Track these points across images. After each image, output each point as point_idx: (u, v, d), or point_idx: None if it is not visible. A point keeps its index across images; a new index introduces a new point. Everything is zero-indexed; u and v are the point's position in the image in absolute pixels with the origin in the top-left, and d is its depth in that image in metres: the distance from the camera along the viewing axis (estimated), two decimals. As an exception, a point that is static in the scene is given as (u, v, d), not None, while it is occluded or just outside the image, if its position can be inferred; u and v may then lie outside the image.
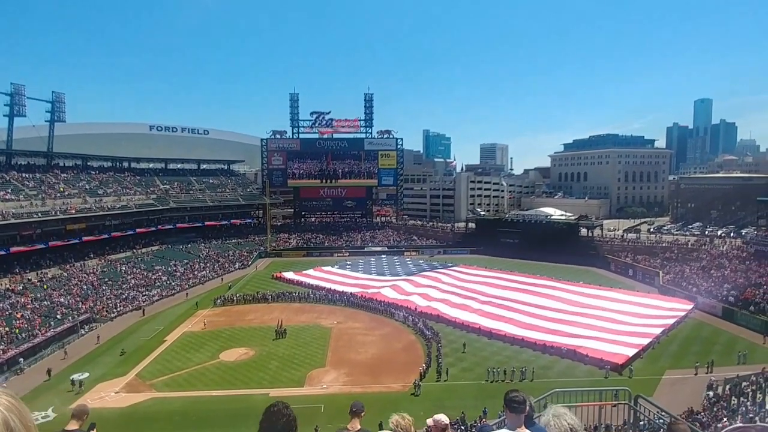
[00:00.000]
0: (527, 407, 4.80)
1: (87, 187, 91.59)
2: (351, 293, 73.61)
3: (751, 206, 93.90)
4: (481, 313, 61.43)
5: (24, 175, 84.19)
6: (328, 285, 79.35)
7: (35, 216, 73.93)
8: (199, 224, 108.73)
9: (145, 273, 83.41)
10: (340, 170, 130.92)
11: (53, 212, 77.02)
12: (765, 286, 59.60)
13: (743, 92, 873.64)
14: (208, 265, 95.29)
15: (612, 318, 57.82)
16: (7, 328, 54.08)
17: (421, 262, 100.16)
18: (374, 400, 36.77)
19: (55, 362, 50.62)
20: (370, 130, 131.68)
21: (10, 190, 76.61)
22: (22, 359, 49.96)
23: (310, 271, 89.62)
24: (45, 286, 68.60)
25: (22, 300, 62.51)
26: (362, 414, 5.92)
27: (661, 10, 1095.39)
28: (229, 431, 36.02)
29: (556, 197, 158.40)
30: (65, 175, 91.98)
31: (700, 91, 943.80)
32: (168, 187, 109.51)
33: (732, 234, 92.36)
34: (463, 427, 33.04)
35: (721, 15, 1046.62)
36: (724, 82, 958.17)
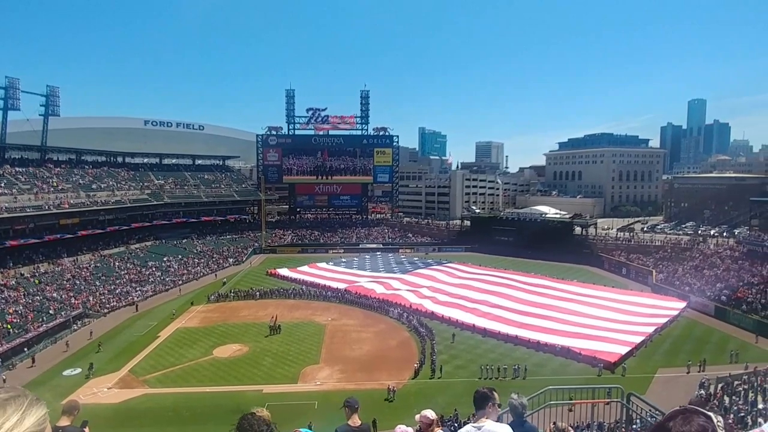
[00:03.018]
0: (490, 403, 4.88)
1: (81, 181, 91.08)
2: (345, 290, 73.59)
3: (743, 206, 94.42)
4: (477, 312, 61.25)
5: (17, 169, 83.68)
6: (322, 282, 79.29)
7: (28, 210, 73.51)
8: (194, 220, 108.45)
9: (139, 268, 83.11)
10: (335, 167, 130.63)
11: (46, 207, 76.50)
12: (757, 286, 59.96)
13: (737, 93, 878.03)
14: (203, 260, 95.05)
15: (605, 316, 58.03)
16: (-1, 323, 53.82)
17: (416, 259, 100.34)
18: (368, 396, 36.75)
19: (55, 354, 51.08)
20: (366, 127, 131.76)
21: (3, 184, 76.07)
22: (26, 348, 50.06)
23: (305, 268, 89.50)
24: (37, 281, 68.30)
25: (15, 295, 62.24)
26: (358, 408, 5.99)
27: (655, 12, 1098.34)
28: (222, 428, 35.81)
29: (550, 196, 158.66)
30: (59, 169, 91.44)
31: (694, 91, 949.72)
32: (163, 182, 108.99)
33: (725, 233, 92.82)
34: (456, 425, 33.07)
35: (716, 17, 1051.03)
36: (717, 83, 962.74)
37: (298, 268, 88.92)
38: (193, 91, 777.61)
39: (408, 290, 72.26)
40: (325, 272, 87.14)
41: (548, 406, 8.03)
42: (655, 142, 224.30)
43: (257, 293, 73.04)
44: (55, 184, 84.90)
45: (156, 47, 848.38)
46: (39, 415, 1.81)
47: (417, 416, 5.95)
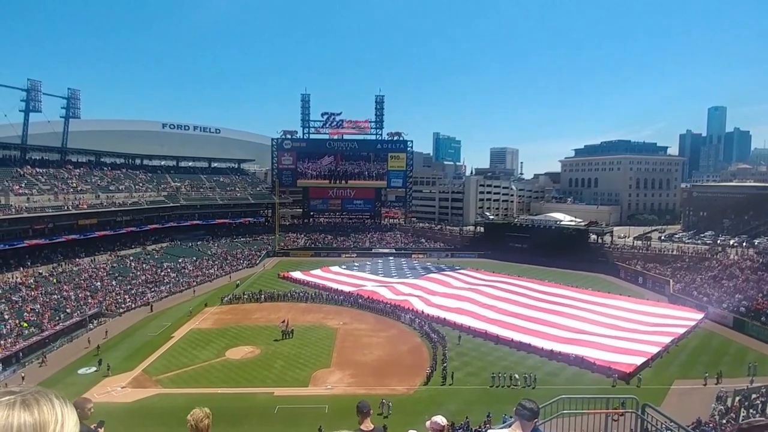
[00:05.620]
0: (536, 415, 4.69)
1: (99, 183, 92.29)
2: (357, 294, 73.61)
3: (764, 216, 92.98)
4: (489, 319, 61.01)
5: (38, 169, 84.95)
6: (335, 285, 79.44)
7: (47, 210, 74.61)
8: (209, 222, 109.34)
9: (155, 269, 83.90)
10: (349, 171, 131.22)
11: (65, 207, 77.63)
12: (777, 297, 58.88)
13: (758, 100, 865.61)
14: (217, 262, 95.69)
15: (621, 326, 57.30)
16: (16, 320, 54.67)
17: (428, 264, 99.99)
18: (378, 402, 36.59)
19: (72, 352, 51.95)
20: (380, 132, 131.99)
21: (23, 185, 77.36)
22: (52, 343, 51.02)
23: (318, 272, 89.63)
24: (55, 280, 69.23)
25: (33, 293, 63.14)
26: (371, 413, 5.94)
27: (674, 17, 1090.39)
28: (233, 429, 36.08)
29: (566, 203, 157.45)
30: (78, 170, 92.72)
31: (713, 98, 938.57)
32: (179, 184, 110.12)
33: (744, 243, 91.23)
34: (467, 432, 32.84)
35: (736, 23, 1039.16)
36: (738, 91, 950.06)
37: (311, 272, 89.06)
38: (209, 96, 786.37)
39: (420, 295, 72.04)
40: (337, 276, 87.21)
41: (561, 416, 7.92)
42: (673, 150, 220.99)
43: (263, 296, 73.21)
44: (74, 185, 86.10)
45: (174, 52, 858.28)
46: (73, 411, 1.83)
47: (427, 422, 5.90)
